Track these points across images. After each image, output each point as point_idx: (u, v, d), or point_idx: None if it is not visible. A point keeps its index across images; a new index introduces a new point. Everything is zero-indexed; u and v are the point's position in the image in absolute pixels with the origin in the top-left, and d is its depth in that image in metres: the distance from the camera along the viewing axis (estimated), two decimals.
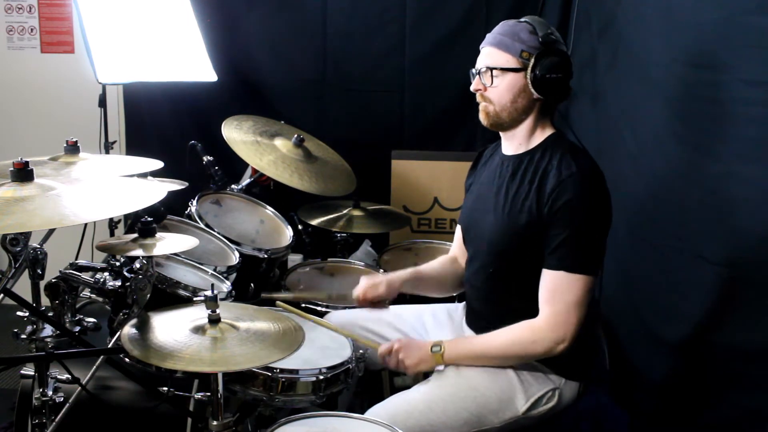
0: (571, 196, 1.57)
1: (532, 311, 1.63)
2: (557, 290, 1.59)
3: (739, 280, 1.79)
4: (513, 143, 1.75)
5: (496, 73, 1.67)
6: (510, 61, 1.66)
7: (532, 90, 1.65)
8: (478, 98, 1.73)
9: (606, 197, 1.63)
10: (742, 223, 1.77)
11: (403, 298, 2.25)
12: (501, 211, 1.69)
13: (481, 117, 1.74)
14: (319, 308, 2.13)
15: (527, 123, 1.71)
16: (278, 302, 1.81)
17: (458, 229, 1.97)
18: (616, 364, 2.33)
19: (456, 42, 3.19)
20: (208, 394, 1.43)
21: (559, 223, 1.58)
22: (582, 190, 1.58)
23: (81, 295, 1.62)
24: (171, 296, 1.62)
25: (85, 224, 1.98)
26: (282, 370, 1.58)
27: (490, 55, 1.69)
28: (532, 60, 1.63)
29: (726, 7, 1.81)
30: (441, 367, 1.71)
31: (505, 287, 1.73)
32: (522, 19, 1.69)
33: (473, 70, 1.73)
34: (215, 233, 2.14)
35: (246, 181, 2.64)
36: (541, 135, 1.71)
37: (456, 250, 2.01)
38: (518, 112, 1.69)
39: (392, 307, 1.94)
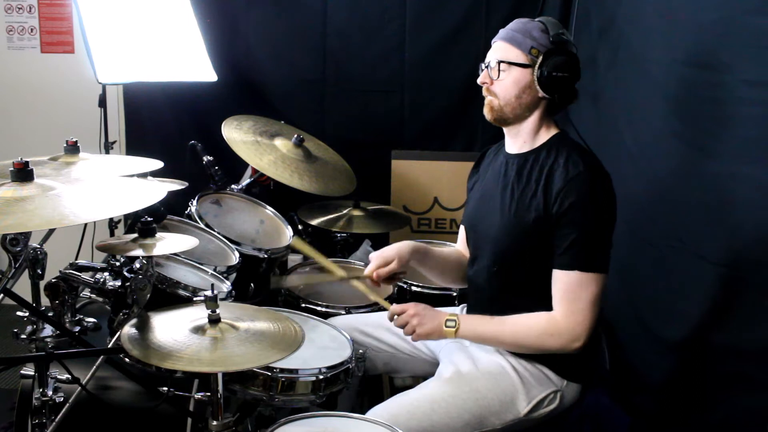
0: (580, 196, 1.58)
1: (534, 310, 1.64)
2: (572, 289, 1.59)
3: (739, 280, 1.79)
4: (517, 141, 1.75)
5: (504, 67, 1.68)
6: (519, 56, 1.67)
7: (538, 87, 1.66)
8: (484, 92, 1.74)
9: (612, 195, 1.64)
10: (742, 223, 1.77)
11: (402, 299, 2.26)
12: (507, 210, 1.69)
13: (485, 111, 1.74)
14: (319, 308, 2.13)
15: (531, 121, 1.71)
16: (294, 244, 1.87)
17: (462, 229, 1.97)
18: (616, 365, 2.33)
19: (456, 42, 3.19)
20: (208, 394, 1.43)
21: (569, 223, 1.59)
22: (591, 189, 1.59)
23: (81, 295, 1.62)
24: (171, 296, 1.62)
25: (85, 224, 1.99)
26: (282, 370, 1.58)
27: (500, 49, 1.70)
28: (540, 57, 1.64)
29: (726, 7, 1.81)
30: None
31: (508, 286, 1.73)
32: (537, 19, 1.70)
33: (482, 64, 1.74)
34: (215, 233, 2.14)
35: (246, 181, 2.64)
36: (546, 134, 1.72)
37: (460, 248, 2.01)
38: (522, 108, 1.69)
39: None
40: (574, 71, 1.65)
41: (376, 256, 1.83)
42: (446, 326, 1.67)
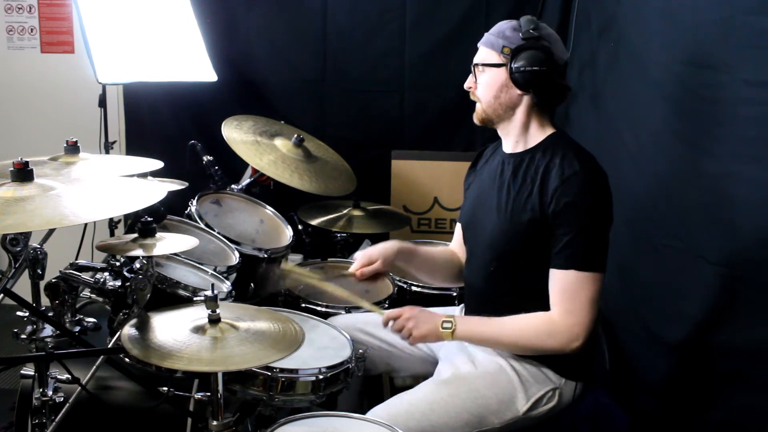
0: (576, 195, 1.58)
1: (531, 310, 1.64)
2: (569, 289, 1.59)
3: (739, 280, 1.79)
4: (509, 141, 1.76)
5: (481, 70, 1.72)
6: (493, 57, 1.69)
7: (512, 84, 1.66)
8: (471, 97, 1.77)
9: (609, 194, 1.64)
10: (742, 223, 1.77)
11: (402, 299, 2.26)
12: (503, 210, 1.70)
13: (474, 115, 1.78)
14: (319, 308, 2.13)
15: (517, 119, 1.72)
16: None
17: (458, 228, 1.98)
18: (616, 364, 2.32)
19: (456, 42, 3.19)
20: (208, 394, 1.43)
21: (565, 223, 1.59)
22: (586, 189, 1.59)
23: (81, 295, 1.62)
24: (171, 296, 1.62)
25: (85, 224, 1.98)
26: (282, 370, 1.58)
27: (479, 53, 1.74)
28: (511, 55, 1.65)
29: (726, 7, 1.81)
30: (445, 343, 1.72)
31: (505, 286, 1.73)
32: (515, 19, 1.71)
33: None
34: (215, 233, 2.14)
35: (246, 181, 2.64)
36: (541, 134, 1.72)
37: (455, 247, 2.01)
38: (502, 107, 1.71)
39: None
40: (546, 64, 1.63)
41: (361, 255, 1.87)
42: (442, 328, 1.67)
